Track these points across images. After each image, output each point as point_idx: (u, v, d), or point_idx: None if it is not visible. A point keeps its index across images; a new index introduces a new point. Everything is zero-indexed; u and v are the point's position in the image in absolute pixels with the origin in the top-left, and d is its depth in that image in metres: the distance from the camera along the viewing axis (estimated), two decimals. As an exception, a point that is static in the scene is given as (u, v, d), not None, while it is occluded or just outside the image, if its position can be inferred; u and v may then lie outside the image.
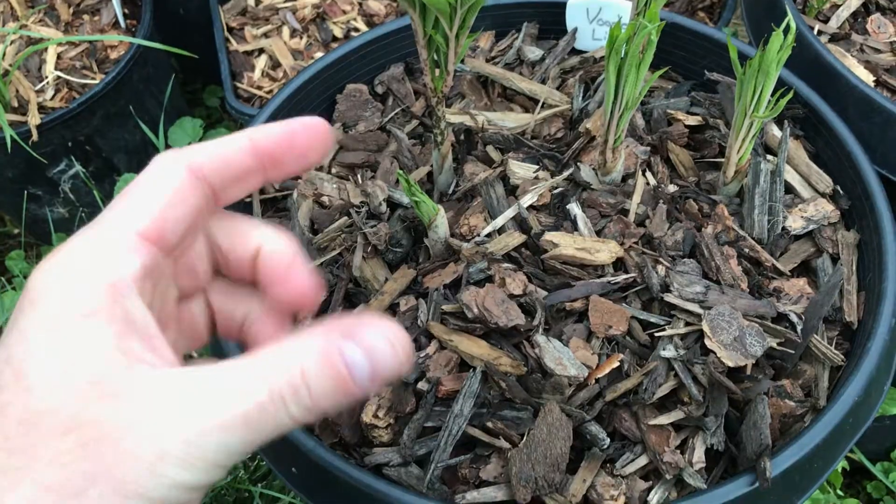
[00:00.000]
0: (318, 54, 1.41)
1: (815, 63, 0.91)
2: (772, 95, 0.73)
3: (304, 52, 1.42)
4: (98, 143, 1.40)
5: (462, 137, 0.90)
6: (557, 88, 0.94)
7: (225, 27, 1.47)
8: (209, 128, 1.80)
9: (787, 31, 0.68)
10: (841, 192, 0.81)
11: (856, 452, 1.22)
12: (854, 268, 0.76)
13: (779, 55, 0.69)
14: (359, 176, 0.89)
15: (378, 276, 0.80)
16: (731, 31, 1.41)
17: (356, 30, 1.46)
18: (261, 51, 1.44)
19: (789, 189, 0.83)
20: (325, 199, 0.87)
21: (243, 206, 0.87)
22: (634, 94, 0.71)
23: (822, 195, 0.81)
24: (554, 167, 0.83)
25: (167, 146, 1.48)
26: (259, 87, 1.39)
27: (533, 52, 0.97)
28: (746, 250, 0.75)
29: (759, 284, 0.74)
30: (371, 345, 0.36)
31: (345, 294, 0.79)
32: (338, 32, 1.45)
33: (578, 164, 0.82)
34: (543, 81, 0.94)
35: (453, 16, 0.68)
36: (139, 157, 1.49)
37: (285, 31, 1.45)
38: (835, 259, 0.78)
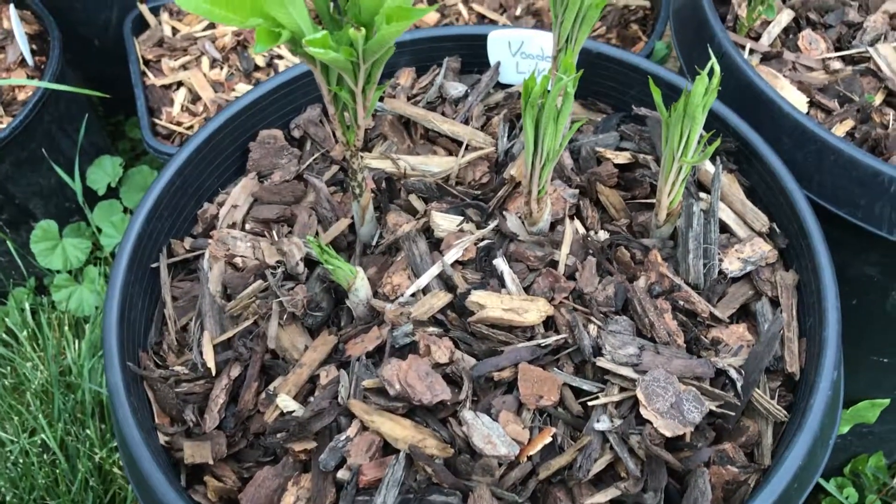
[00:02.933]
0: (240, 85, 1.35)
1: (747, 90, 0.88)
2: (704, 129, 0.69)
3: (224, 83, 1.36)
4: (10, 190, 1.32)
5: (384, 185, 0.85)
6: (482, 127, 0.90)
7: (141, 60, 1.40)
8: (133, 160, 1.72)
9: (711, 73, 0.65)
10: (777, 230, 0.78)
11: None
12: (794, 312, 0.73)
13: (704, 99, 0.65)
14: (275, 232, 0.83)
15: (297, 344, 0.75)
16: (664, 44, 1.38)
17: (280, 56, 1.40)
18: (179, 84, 1.37)
19: (724, 228, 0.79)
20: (238, 260, 0.81)
21: (151, 273, 0.81)
22: (555, 146, 0.67)
23: (759, 234, 0.78)
24: (479, 217, 0.79)
25: (85, 188, 1.41)
26: (178, 123, 1.32)
27: (455, 89, 0.92)
28: (681, 302, 0.71)
29: (696, 338, 0.70)
30: None
31: (261, 367, 0.74)
32: (260, 61, 1.39)
33: (504, 213, 0.77)
34: (467, 121, 0.90)
35: (357, 72, 0.63)
36: (56, 200, 1.41)
37: (205, 61, 1.39)
38: (774, 302, 0.75)
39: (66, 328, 1.36)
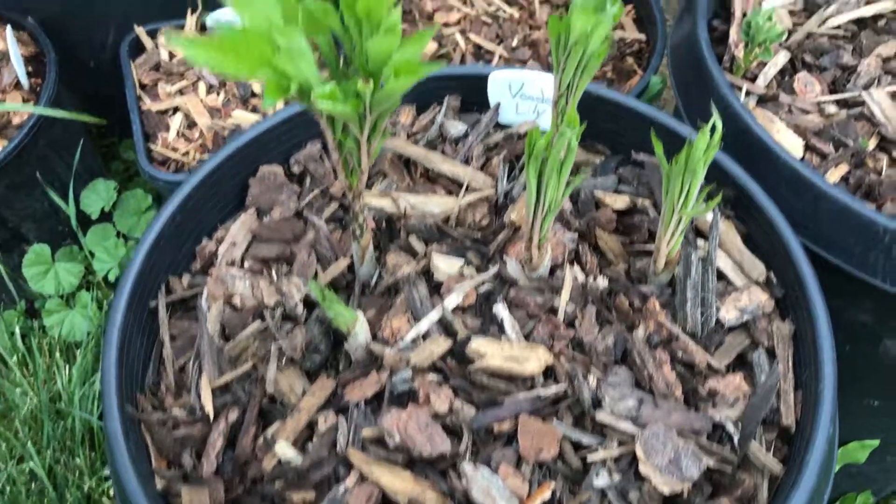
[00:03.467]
0: (237, 112, 1.35)
1: (744, 135, 0.89)
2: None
3: (221, 109, 1.36)
4: (3, 214, 1.31)
5: (384, 225, 0.85)
6: (482, 167, 0.90)
7: (137, 84, 1.39)
8: (126, 181, 1.72)
9: (713, 129, 0.65)
10: (774, 279, 0.78)
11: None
12: (790, 363, 0.74)
13: (706, 154, 0.65)
14: (273, 271, 0.83)
15: (295, 387, 0.74)
16: (659, 79, 1.39)
17: (277, 84, 1.40)
18: (175, 109, 1.37)
19: (722, 276, 0.80)
20: (236, 299, 0.81)
21: (150, 312, 0.81)
22: (557, 197, 0.68)
23: (756, 283, 0.79)
24: (479, 261, 0.79)
25: (78, 212, 1.40)
26: (174, 149, 1.32)
27: (455, 128, 0.93)
28: (680, 353, 0.71)
29: (693, 389, 0.70)
30: None
31: (259, 411, 0.73)
32: (257, 88, 1.39)
33: (504, 257, 0.78)
34: (467, 161, 0.90)
35: (363, 122, 0.63)
36: (49, 223, 1.40)
37: (201, 86, 1.39)
38: (770, 352, 0.75)
39: (58, 353, 1.35)
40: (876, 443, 1.08)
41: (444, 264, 0.78)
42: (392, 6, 0.59)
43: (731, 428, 0.68)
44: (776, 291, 0.78)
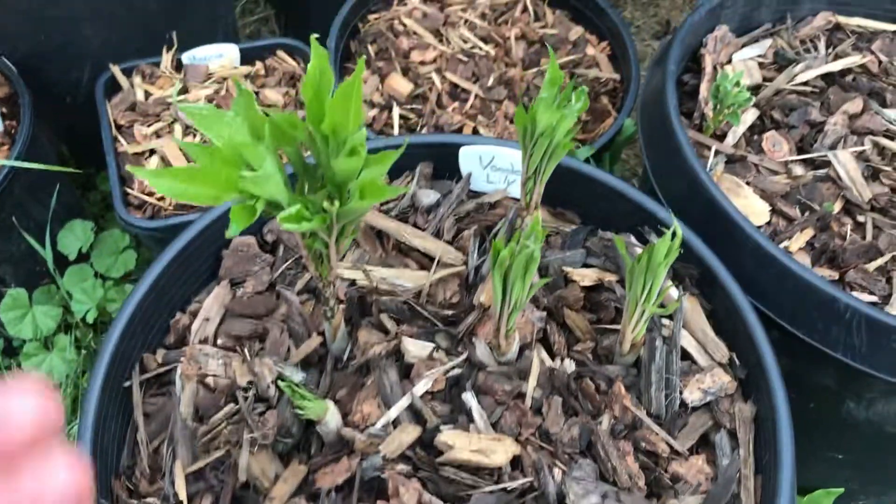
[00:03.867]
0: (213, 155, 1.35)
1: (709, 206, 0.91)
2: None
3: (198, 152, 1.36)
4: (-21, 259, 1.31)
5: (356, 301, 0.86)
6: (453, 239, 0.91)
7: (113, 125, 1.39)
8: (105, 211, 1.71)
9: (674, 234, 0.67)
10: (737, 361, 0.80)
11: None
12: (751, 448, 0.76)
13: (666, 259, 0.67)
14: (247, 350, 0.84)
15: (267, 471, 0.76)
16: (633, 122, 1.40)
17: (253, 124, 1.40)
18: (152, 151, 1.37)
19: (686, 355, 0.82)
20: (210, 380, 0.82)
21: (123, 392, 0.82)
22: (522, 297, 0.69)
23: (719, 364, 0.80)
24: (449, 343, 0.81)
25: (55, 253, 1.40)
26: (150, 193, 1.32)
27: (428, 197, 0.94)
28: (643, 444, 0.73)
29: (657, 478, 0.72)
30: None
31: (231, 497, 0.75)
32: (233, 129, 1.39)
33: (474, 339, 0.79)
34: (438, 233, 0.91)
35: (331, 231, 0.64)
36: (27, 266, 1.40)
37: (177, 128, 1.39)
38: (732, 434, 0.77)
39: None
40: (841, 490, 1.11)
41: (415, 347, 0.79)
42: (358, 126, 0.60)
43: (692, 519, 0.70)
44: (738, 372, 0.80)
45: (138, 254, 1.47)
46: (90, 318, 1.39)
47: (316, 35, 0.60)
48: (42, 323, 1.35)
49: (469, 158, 0.92)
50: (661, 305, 0.78)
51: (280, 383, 0.70)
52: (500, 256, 0.65)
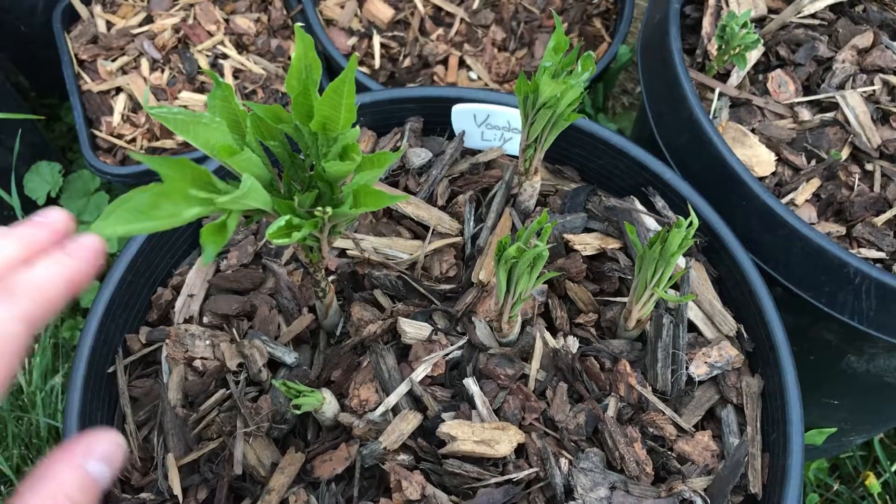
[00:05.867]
0: (184, 93, 1.27)
1: (717, 163, 0.86)
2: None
3: (167, 89, 1.28)
4: (-59, 208, 1.25)
5: (348, 276, 0.82)
6: (447, 204, 0.86)
7: (75, 60, 1.30)
8: (71, 143, 1.63)
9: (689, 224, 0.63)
10: (745, 334, 0.78)
11: None
12: (758, 424, 0.74)
13: (679, 248, 0.63)
14: (234, 329, 0.81)
15: (263, 459, 0.73)
16: (628, 49, 1.33)
17: (224, 56, 1.32)
18: (118, 89, 1.29)
19: (693, 327, 0.79)
20: (198, 362, 0.78)
21: (108, 378, 0.78)
22: (527, 289, 0.65)
23: (726, 336, 0.78)
24: (447, 323, 0.77)
25: (23, 198, 1.33)
26: (119, 136, 1.25)
27: (419, 157, 0.88)
28: (650, 429, 0.71)
29: (664, 464, 0.71)
30: (105, 452, 0.46)
31: (228, 488, 0.73)
32: (203, 62, 1.30)
33: (473, 319, 0.76)
34: (431, 197, 0.86)
35: (322, 229, 0.60)
36: (-7, 212, 1.34)
37: (144, 63, 1.30)
38: (739, 409, 0.76)
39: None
40: (833, 430, 1.11)
41: (412, 329, 0.76)
42: (350, 123, 0.55)
43: (699, 503, 0.68)
44: (746, 345, 0.78)
45: (110, 195, 1.41)
46: (65, 266, 1.33)
47: (301, 24, 0.54)
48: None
49: (462, 117, 0.87)
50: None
51: (274, 382, 0.66)
52: (504, 254, 0.61)
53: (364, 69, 1.31)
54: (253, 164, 0.54)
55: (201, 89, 1.29)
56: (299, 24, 0.51)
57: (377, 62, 1.32)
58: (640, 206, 0.83)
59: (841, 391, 1.03)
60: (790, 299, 0.87)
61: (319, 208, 0.55)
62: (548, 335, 0.76)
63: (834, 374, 0.99)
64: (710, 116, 0.97)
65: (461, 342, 0.75)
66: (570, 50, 0.68)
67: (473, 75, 1.32)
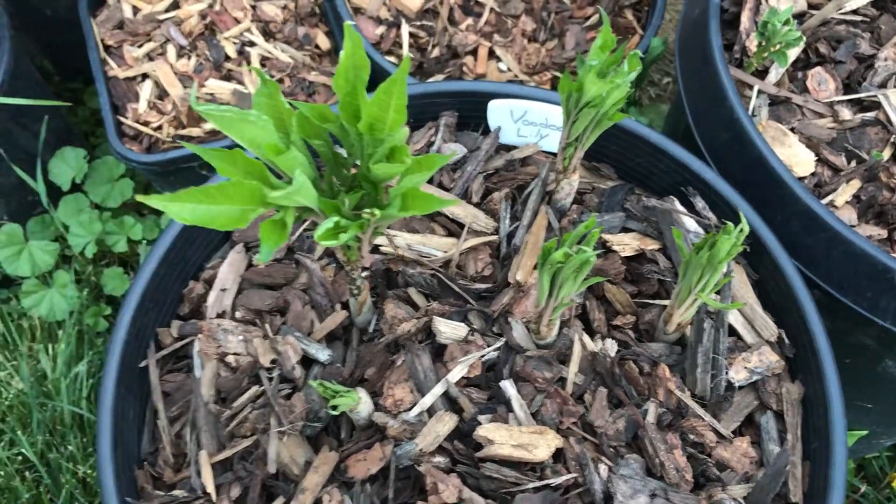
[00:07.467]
0: (211, 81, 1.26)
1: (758, 164, 0.85)
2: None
3: (193, 76, 1.27)
4: (-34, 193, 1.24)
5: (382, 272, 0.81)
6: (482, 200, 0.85)
7: (101, 46, 1.29)
8: (95, 127, 1.62)
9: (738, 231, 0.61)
10: (786, 339, 0.77)
11: None
12: (799, 432, 0.73)
13: (728, 255, 0.62)
14: (267, 325, 0.80)
15: (297, 458, 0.73)
16: (660, 40, 1.31)
17: (251, 44, 1.31)
18: (144, 76, 1.28)
19: (732, 331, 0.78)
20: (230, 358, 0.78)
21: (140, 373, 0.78)
22: (570, 294, 0.64)
23: (767, 342, 0.77)
24: (483, 323, 0.76)
25: (47, 184, 1.33)
26: (146, 123, 1.24)
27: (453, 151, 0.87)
28: (691, 436, 0.70)
29: (704, 472, 0.70)
30: None
31: (261, 487, 0.72)
32: (230, 50, 1.29)
33: (510, 320, 0.75)
34: (466, 193, 0.85)
35: (366, 230, 0.59)
36: (18, 197, 1.33)
37: (170, 50, 1.29)
38: (778, 415, 0.75)
39: (39, 332, 1.32)
40: (865, 432, 1.11)
41: (447, 328, 0.75)
42: (399, 125, 0.54)
43: (740, 513, 0.68)
44: (787, 351, 0.76)
45: (135, 181, 1.40)
46: (89, 253, 1.33)
47: (351, 23, 0.53)
48: (39, 259, 1.29)
49: (499, 113, 0.85)
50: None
51: (311, 382, 0.66)
52: (549, 258, 0.60)
53: (392, 59, 1.30)
54: (299, 162, 0.53)
55: (228, 77, 1.28)
56: (349, 22, 0.50)
57: (405, 51, 1.30)
58: (680, 207, 0.82)
59: (875, 395, 1.02)
60: (828, 303, 0.85)
61: (367, 210, 0.54)
62: (586, 338, 0.75)
63: (869, 378, 0.97)
64: (750, 115, 0.95)
65: (498, 343, 0.74)
66: (615, 49, 0.66)
67: (503, 66, 1.31)
